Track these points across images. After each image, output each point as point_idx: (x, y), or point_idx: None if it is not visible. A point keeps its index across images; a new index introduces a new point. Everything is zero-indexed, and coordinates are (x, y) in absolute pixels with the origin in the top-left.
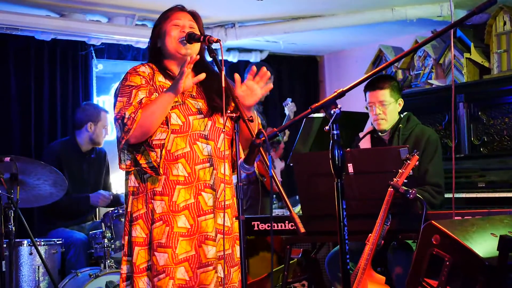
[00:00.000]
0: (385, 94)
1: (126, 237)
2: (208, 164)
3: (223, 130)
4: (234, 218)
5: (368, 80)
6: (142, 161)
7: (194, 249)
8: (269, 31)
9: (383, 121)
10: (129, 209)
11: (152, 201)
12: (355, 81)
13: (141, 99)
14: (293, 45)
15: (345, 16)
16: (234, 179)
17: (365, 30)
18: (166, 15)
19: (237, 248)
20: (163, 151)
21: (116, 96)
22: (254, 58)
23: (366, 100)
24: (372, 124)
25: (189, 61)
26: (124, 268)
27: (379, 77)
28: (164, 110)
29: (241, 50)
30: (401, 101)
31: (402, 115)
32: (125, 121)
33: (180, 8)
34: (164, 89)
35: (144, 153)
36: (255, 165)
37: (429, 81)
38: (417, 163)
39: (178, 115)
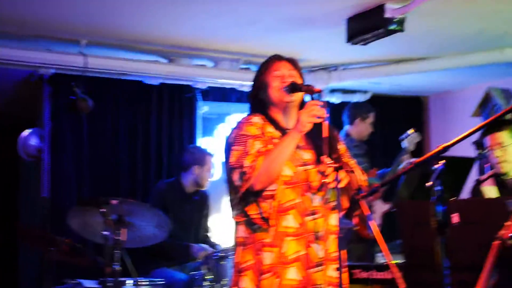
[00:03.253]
0: (503, 136)
1: None
2: (318, 215)
3: (324, 180)
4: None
5: (486, 126)
6: (252, 212)
7: None
8: (373, 73)
9: (504, 163)
10: (237, 260)
11: (260, 252)
12: (461, 124)
13: (259, 149)
14: (397, 86)
15: (451, 58)
16: None
17: (473, 71)
18: (265, 67)
19: None
20: (275, 202)
21: (230, 144)
22: (357, 99)
23: (485, 145)
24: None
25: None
26: None
27: (495, 120)
28: (287, 153)
29: (345, 91)
30: None
31: None
32: (244, 170)
33: (278, 58)
34: (274, 139)
35: (254, 204)
36: (354, 221)
37: None
38: None
39: (288, 165)
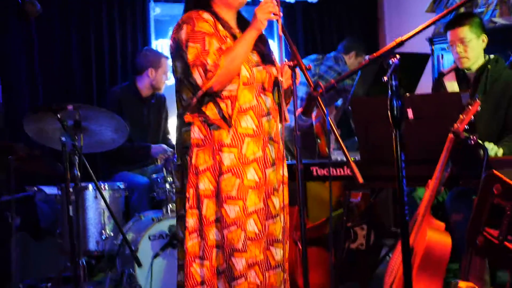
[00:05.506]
0: (464, 31)
1: (191, 190)
2: (270, 117)
3: (280, 79)
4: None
5: (449, 20)
6: (210, 112)
7: (263, 202)
8: None
9: (465, 59)
10: (193, 162)
11: (219, 153)
12: (416, 20)
13: (218, 47)
14: None
15: None
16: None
17: None
18: None
19: None
20: (236, 103)
21: (184, 40)
22: None
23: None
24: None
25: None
26: (190, 220)
27: (458, 14)
28: (247, 52)
29: None
30: (484, 38)
31: (490, 56)
32: (208, 67)
33: None
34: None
35: (211, 104)
36: (312, 117)
37: (493, 19)
38: (479, 108)
39: (244, 66)
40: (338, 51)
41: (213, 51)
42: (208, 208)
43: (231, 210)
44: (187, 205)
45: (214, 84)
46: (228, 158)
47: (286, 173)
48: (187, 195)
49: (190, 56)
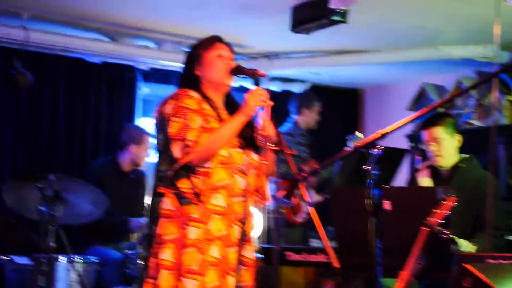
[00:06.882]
0: (438, 131)
1: (153, 259)
2: (242, 198)
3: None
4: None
5: (424, 120)
6: (183, 186)
7: (220, 280)
8: (314, 63)
9: (439, 158)
10: (159, 231)
11: (186, 226)
12: (396, 117)
13: (201, 124)
14: (336, 77)
15: (390, 52)
16: None
17: (408, 66)
18: (207, 44)
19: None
20: (209, 180)
21: (167, 114)
22: (297, 88)
23: (422, 140)
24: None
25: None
26: None
27: (432, 115)
28: (232, 135)
29: (284, 80)
30: (458, 137)
31: (464, 155)
32: (187, 143)
33: (220, 39)
34: (209, 117)
35: (186, 179)
36: (295, 201)
37: (470, 121)
38: (454, 204)
39: (224, 147)
40: (291, 114)
41: (196, 127)
42: (165, 280)
43: (190, 284)
44: (145, 273)
45: (193, 159)
46: (194, 232)
47: (250, 256)
48: (149, 264)
49: (172, 129)
